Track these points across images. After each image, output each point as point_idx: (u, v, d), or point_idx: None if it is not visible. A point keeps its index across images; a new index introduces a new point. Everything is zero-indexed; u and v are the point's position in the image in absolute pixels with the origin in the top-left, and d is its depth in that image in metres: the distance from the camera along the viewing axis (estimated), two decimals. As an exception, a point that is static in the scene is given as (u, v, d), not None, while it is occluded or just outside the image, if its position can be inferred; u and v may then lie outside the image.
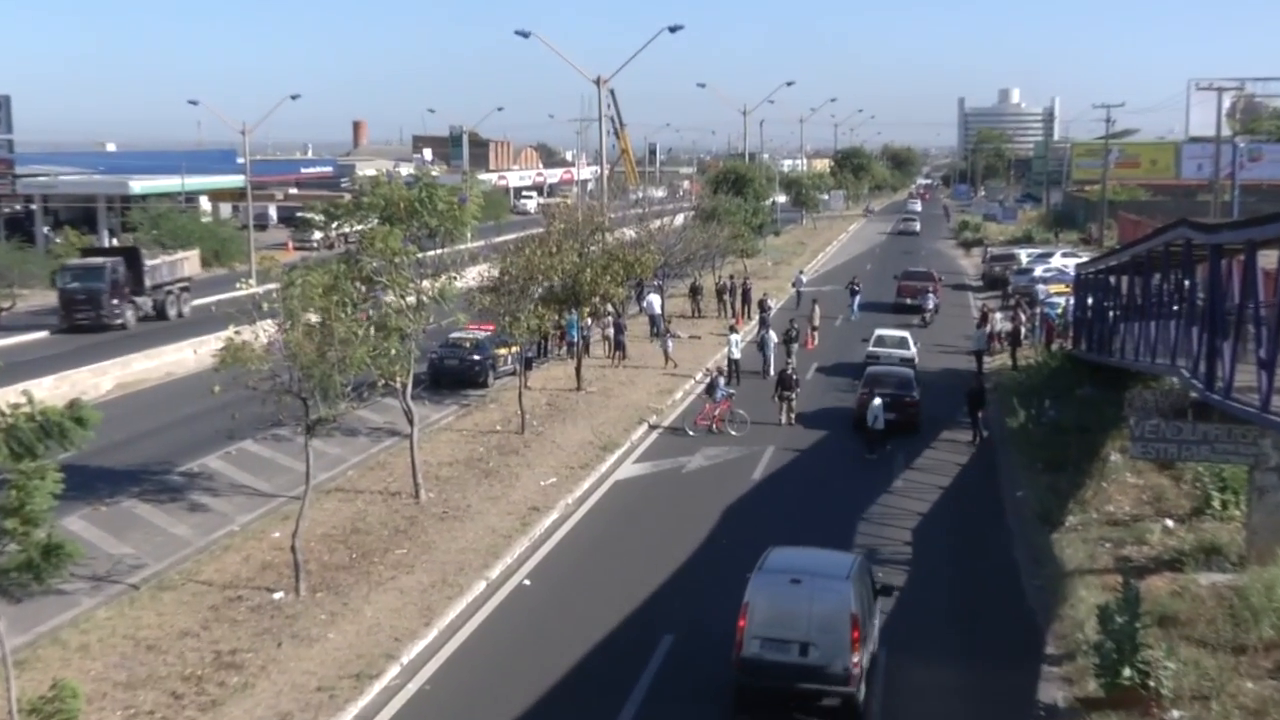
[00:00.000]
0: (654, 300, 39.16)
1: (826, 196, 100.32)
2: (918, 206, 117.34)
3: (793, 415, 27.33)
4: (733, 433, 26.17)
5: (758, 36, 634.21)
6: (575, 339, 32.40)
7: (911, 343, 34.65)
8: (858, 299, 45.43)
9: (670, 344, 34.04)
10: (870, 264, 66.92)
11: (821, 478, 22.92)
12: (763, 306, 40.46)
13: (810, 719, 13.02)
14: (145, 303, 41.27)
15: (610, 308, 33.87)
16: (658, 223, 43.16)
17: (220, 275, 47.55)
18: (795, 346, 34.10)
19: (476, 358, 30.65)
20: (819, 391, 31.27)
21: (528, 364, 30.77)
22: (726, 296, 44.58)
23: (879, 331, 35.28)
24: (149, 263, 41.83)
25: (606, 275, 28.10)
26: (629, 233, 39.75)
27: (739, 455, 24.68)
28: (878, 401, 24.77)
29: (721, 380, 27.73)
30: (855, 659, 12.95)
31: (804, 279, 49.18)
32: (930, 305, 46.38)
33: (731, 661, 13.22)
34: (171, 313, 42.03)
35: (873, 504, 21.26)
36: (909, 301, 48.27)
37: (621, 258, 29.39)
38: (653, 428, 27.11)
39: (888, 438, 24.93)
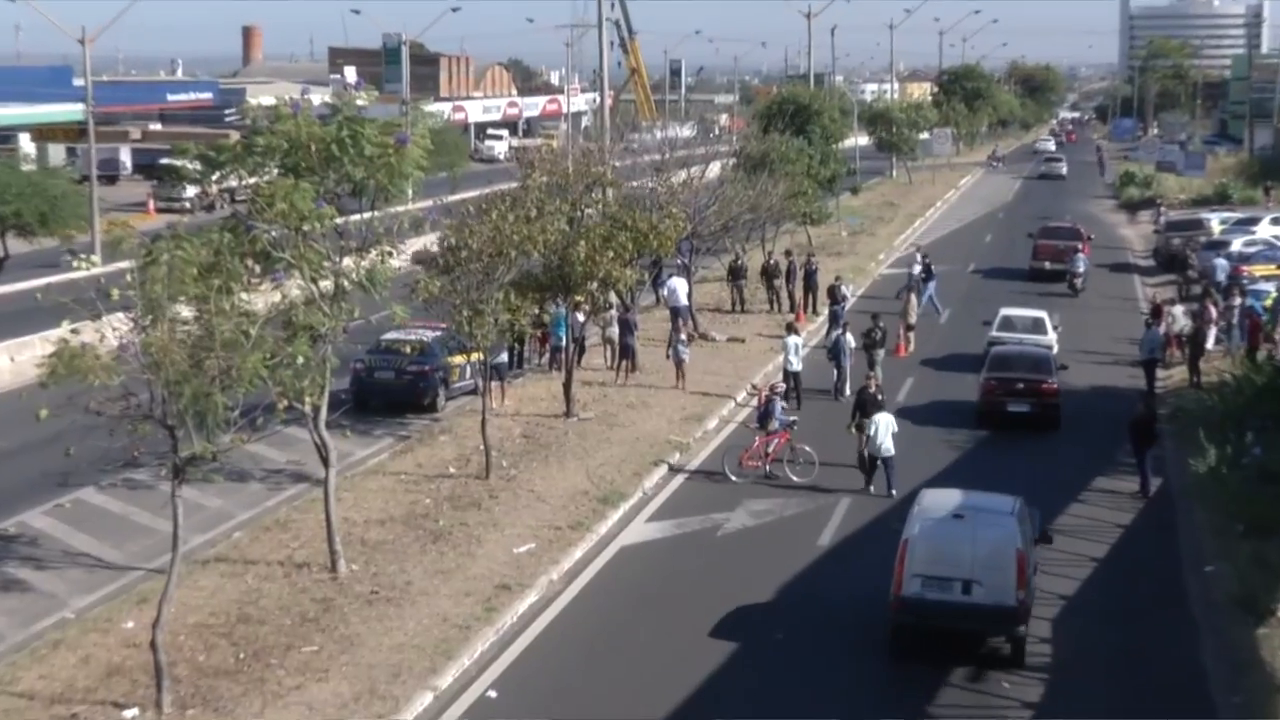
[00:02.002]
0: (677, 286, 39.24)
1: (927, 136, 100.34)
2: (1050, 146, 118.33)
3: (878, 454, 27.37)
4: (794, 478, 26.23)
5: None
6: (563, 342, 32.47)
7: (1050, 326, 36.16)
8: (933, 285, 44.97)
9: (684, 351, 33.81)
10: (990, 234, 66.97)
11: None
12: (835, 296, 40.43)
13: (972, 662, 17.17)
14: None
15: (614, 297, 33.80)
16: (683, 174, 43.21)
17: (49, 249, 47.73)
18: (881, 354, 34.09)
19: (420, 369, 30.77)
20: (920, 414, 31.30)
21: (496, 375, 30.78)
22: (780, 281, 44.64)
23: (1005, 311, 37.00)
24: None
25: (608, 251, 28.16)
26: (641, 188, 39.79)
27: (800, 511, 24.73)
28: (881, 418, 25.54)
29: (779, 403, 27.74)
30: (1021, 597, 17.59)
31: (920, 265, 48.26)
32: (1080, 268, 47.87)
33: (889, 602, 18.08)
34: None
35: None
36: (1048, 266, 49.93)
37: (630, 225, 29.47)
38: (675, 471, 27.17)
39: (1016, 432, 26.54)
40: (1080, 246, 50.28)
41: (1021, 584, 17.56)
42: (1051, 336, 35.73)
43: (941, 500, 19.18)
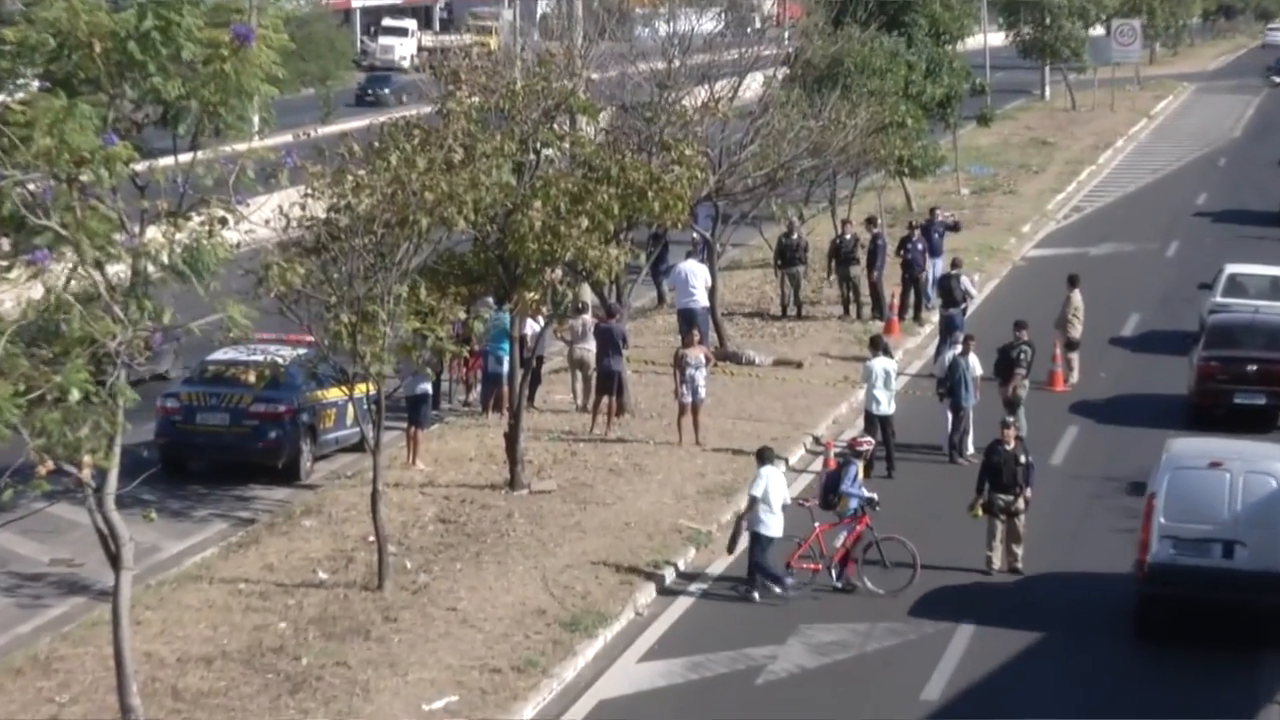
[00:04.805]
0: (691, 274, 39.22)
1: (1106, 33, 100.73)
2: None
3: (1019, 550, 27.37)
4: (879, 590, 26.31)
5: None
6: (506, 367, 32.45)
7: None
8: (937, 265, 45.37)
9: (701, 382, 33.59)
10: (1205, 193, 67.42)
11: (1096, 697, 22.96)
12: (950, 294, 40.45)
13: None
14: None
15: (589, 294, 33.80)
16: (702, 95, 43.32)
17: None
18: (1027, 387, 34.06)
19: (271, 410, 30.89)
20: (1101, 413, 31.54)
21: (412, 418, 30.75)
22: (859, 268, 45.08)
23: (1230, 269, 40.59)
24: None
25: (580, 218, 28.23)
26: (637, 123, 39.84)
27: (893, 644, 24.78)
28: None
29: (856, 469, 27.52)
30: None
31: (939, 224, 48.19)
32: None
33: (1133, 570, 23.77)
34: None
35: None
36: None
37: (618, 178, 29.56)
38: (686, 579, 27.20)
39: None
40: None
41: None
42: None
43: (1196, 448, 25.23)
